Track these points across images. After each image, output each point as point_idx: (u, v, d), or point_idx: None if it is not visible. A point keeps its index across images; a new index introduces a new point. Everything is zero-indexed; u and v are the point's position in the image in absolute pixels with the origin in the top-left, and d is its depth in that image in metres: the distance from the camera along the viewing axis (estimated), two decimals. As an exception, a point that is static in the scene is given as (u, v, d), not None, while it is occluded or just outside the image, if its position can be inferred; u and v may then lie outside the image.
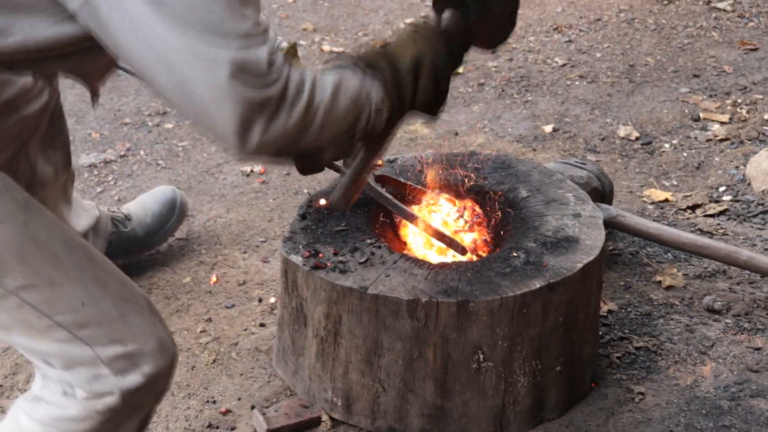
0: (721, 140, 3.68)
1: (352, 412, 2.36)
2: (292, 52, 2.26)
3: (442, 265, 2.31)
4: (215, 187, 3.44)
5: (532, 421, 2.36)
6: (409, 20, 4.71)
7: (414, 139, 3.73)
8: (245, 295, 2.89)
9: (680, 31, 4.58)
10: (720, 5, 4.80)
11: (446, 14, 2.04)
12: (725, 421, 2.38)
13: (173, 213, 2.98)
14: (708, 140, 3.69)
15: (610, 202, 3.02)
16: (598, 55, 4.39)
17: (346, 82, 1.84)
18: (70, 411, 1.85)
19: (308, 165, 1.98)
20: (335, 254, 2.32)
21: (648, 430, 2.36)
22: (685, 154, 3.61)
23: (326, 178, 3.09)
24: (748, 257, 2.74)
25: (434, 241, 2.43)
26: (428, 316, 2.19)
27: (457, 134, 3.79)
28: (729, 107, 3.91)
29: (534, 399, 2.34)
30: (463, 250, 2.39)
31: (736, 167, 3.50)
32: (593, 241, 2.37)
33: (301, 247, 2.35)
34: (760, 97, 3.97)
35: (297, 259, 2.31)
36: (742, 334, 2.68)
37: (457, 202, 2.56)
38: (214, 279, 2.95)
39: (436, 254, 2.46)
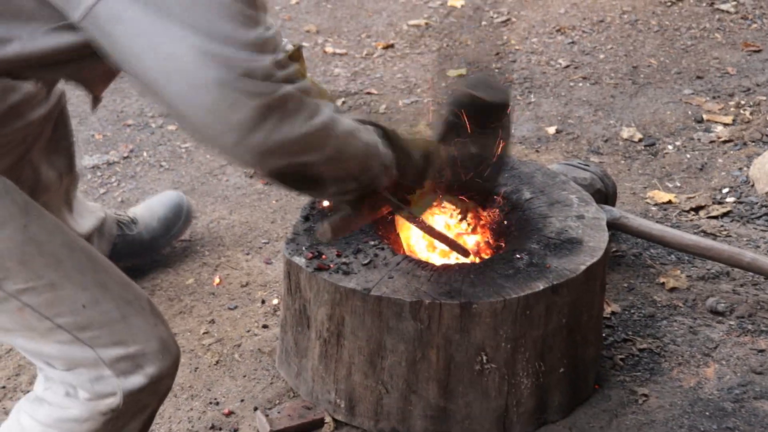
0: (725, 142, 3.68)
1: (355, 413, 2.35)
2: (297, 55, 2.25)
3: (445, 267, 2.30)
4: (218, 189, 3.44)
5: (535, 423, 2.36)
6: (413, 22, 4.71)
7: (417, 141, 3.73)
8: (248, 296, 2.89)
9: (683, 33, 4.57)
10: (723, 7, 4.80)
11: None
12: (729, 423, 2.38)
13: (179, 218, 2.98)
14: (711, 142, 3.69)
15: (613, 204, 3.02)
16: (602, 56, 4.39)
17: (362, 130, 1.86)
18: (73, 412, 1.85)
19: (311, 191, 1.97)
20: (338, 256, 2.32)
21: (651, 432, 2.36)
22: (688, 156, 3.61)
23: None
24: (752, 259, 2.74)
25: (437, 243, 2.43)
26: (431, 317, 2.19)
27: (460, 136, 3.78)
28: (732, 109, 3.90)
29: (537, 401, 2.34)
30: (465, 253, 2.39)
31: (740, 169, 3.50)
32: (596, 242, 2.37)
33: (304, 248, 2.35)
34: (764, 98, 3.97)
35: (300, 260, 2.31)
36: (746, 335, 2.67)
37: (459, 203, 2.56)
38: (217, 280, 2.96)
39: (439, 256, 2.46)
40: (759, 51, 4.40)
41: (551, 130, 3.79)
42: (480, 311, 2.18)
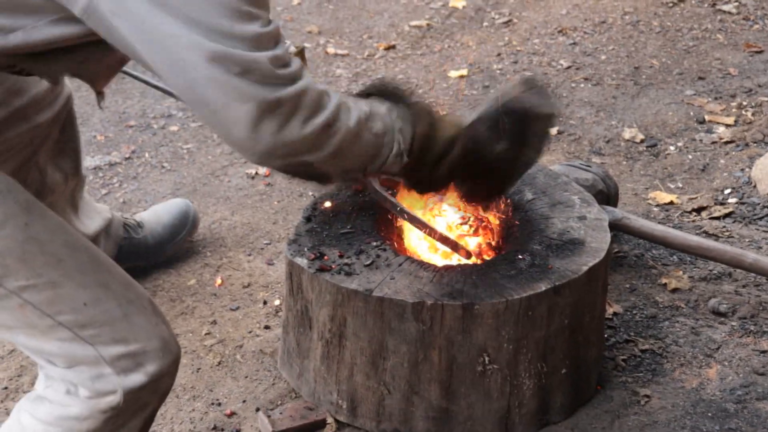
0: (727, 143, 3.68)
1: (357, 414, 2.35)
2: (299, 56, 2.26)
3: (448, 268, 2.30)
4: (220, 190, 3.44)
5: (537, 424, 2.36)
6: (414, 23, 4.71)
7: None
8: (250, 297, 2.89)
9: (685, 34, 4.57)
10: (725, 8, 4.79)
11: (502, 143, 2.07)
12: (731, 424, 2.38)
13: (185, 225, 3.01)
14: (713, 143, 3.68)
15: (615, 205, 3.02)
16: (603, 57, 4.39)
17: (375, 116, 1.85)
18: (73, 410, 1.85)
19: (315, 184, 1.98)
20: (340, 257, 2.32)
21: (654, 433, 2.36)
22: (690, 157, 3.61)
23: (331, 180, 3.09)
24: (754, 260, 2.74)
25: (439, 244, 2.42)
26: (433, 318, 2.19)
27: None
28: (734, 110, 3.90)
29: (539, 402, 2.34)
30: (467, 254, 2.39)
31: (742, 170, 3.49)
32: (599, 243, 2.37)
33: (306, 249, 2.35)
34: (766, 99, 3.97)
35: (302, 261, 2.31)
36: (748, 336, 2.67)
37: (461, 205, 2.56)
38: (218, 281, 2.96)
39: (441, 257, 2.45)
40: (761, 52, 4.40)
41: (553, 130, 3.79)
42: (482, 312, 2.18)
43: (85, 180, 2.74)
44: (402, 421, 2.32)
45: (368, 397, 2.32)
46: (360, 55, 4.44)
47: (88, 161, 3.61)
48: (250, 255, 3.08)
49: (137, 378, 1.84)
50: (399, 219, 2.50)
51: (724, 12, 4.77)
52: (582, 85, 4.15)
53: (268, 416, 2.37)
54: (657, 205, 3.30)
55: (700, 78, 4.18)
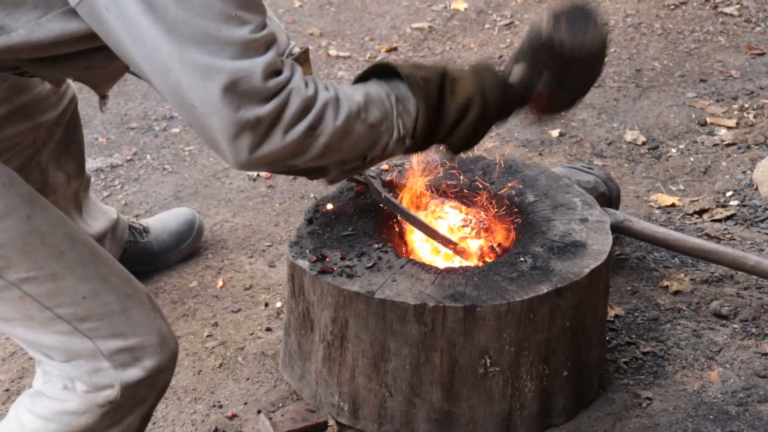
0: (728, 145, 3.68)
1: (359, 416, 2.35)
2: (303, 57, 2.26)
3: (449, 270, 2.30)
4: (222, 192, 3.44)
5: (539, 426, 2.36)
6: (416, 25, 4.72)
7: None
8: (251, 299, 2.89)
9: (687, 36, 4.57)
10: (727, 10, 4.79)
11: (518, 68, 1.98)
12: (733, 426, 2.38)
13: (190, 234, 3.02)
14: (715, 145, 3.68)
15: (617, 207, 3.02)
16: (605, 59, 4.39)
17: (370, 106, 1.82)
18: (71, 405, 1.85)
19: (312, 177, 1.97)
20: (342, 259, 2.32)
21: (655, 436, 2.36)
22: (692, 159, 3.60)
23: (333, 182, 3.09)
24: (756, 262, 2.73)
25: (440, 246, 2.43)
26: (435, 320, 2.19)
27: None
28: (736, 112, 3.90)
29: (541, 404, 2.34)
30: (468, 256, 2.39)
31: (743, 172, 3.49)
32: (600, 245, 2.37)
33: (307, 251, 2.35)
34: (767, 101, 3.97)
35: (304, 263, 2.31)
36: (750, 339, 2.67)
37: (463, 207, 2.56)
38: (220, 283, 2.96)
39: (443, 259, 2.45)
40: (762, 54, 4.40)
41: (554, 133, 3.79)
42: (484, 314, 2.18)
43: (89, 181, 2.75)
44: (403, 423, 2.32)
45: (370, 400, 2.32)
46: (362, 57, 4.44)
47: (89, 163, 3.60)
48: (251, 257, 3.08)
49: (135, 372, 1.84)
50: (400, 220, 2.50)
51: (726, 14, 4.76)
52: (583, 88, 4.14)
53: (270, 418, 2.37)
54: (658, 208, 3.30)
55: (702, 80, 4.17)
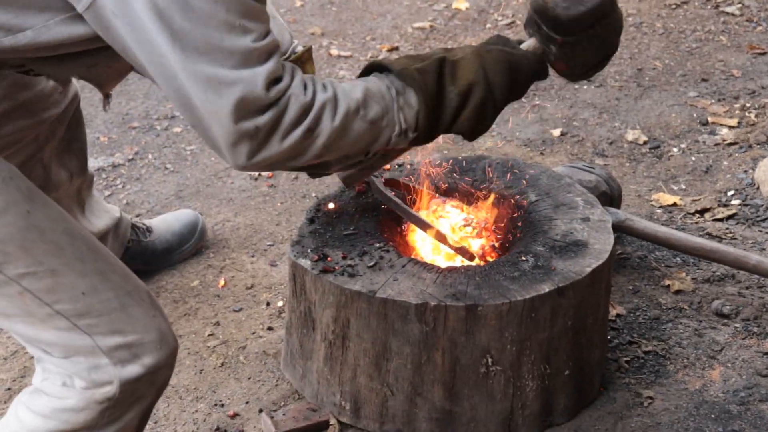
0: (730, 144, 3.67)
1: (360, 415, 2.35)
2: (306, 56, 2.26)
3: (451, 269, 2.30)
4: (223, 191, 3.44)
5: (540, 425, 2.36)
6: (417, 24, 4.71)
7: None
8: (253, 298, 2.89)
9: (688, 36, 4.57)
10: (728, 9, 4.79)
11: (530, 42, 1.96)
12: (734, 425, 2.38)
13: (193, 235, 3.04)
14: (716, 144, 3.68)
15: (618, 206, 3.02)
16: (606, 59, 4.39)
17: (370, 102, 1.82)
18: (69, 402, 1.86)
19: (314, 173, 1.98)
20: (344, 258, 2.32)
21: (657, 435, 2.36)
22: (693, 159, 3.60)
23: (335, 181, 3.09)
24: (757, 261, 2.73)
25: (442, 246, 2.43)
26: (437, 320, 2.19)
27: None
28: (737, 111, 3.90)
29: (542, 403, 2.34)
30: (471, 256, 2.39)
31: (745, 171, 3.49)
32: (602, 245, 2.37)
33: (309, 250, 2.35)
34: (769, 101, 3.97)
35: (305, 262, 2.31)
36: (751, 338, 2.67)
37: (465, 206, 2.56)
38: (222, 282, 2.96)
39: (444, 259, 2.45)
40: (764, 53, 4.40)
41: (556, 132, 3.79)
42: (485, 313, 2.18)
43: (92, 179, 2.75)
44: (405, 422, 2.32)
45: (371, 399, 2.32)
46: (363, 56, 4.44)
47: (91, 162, 3.60)
48: (253, 256, 3.08)
49: (134, 369, 1.84)
50: (403, 220, 2.50)
51: (728, 14, 4.76)
52: (585, 87, 4.14)
53: (271, 417, 2.37)
54: (660, 207, 3.30)
55: (703, 80, 4.17)
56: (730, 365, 2.57)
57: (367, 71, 1.95)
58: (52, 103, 2.40)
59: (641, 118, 3.88)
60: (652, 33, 4.61)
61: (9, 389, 2.56)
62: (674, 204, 3.30)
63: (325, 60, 4.40)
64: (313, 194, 3.39)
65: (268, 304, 2.86)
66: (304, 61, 2.26)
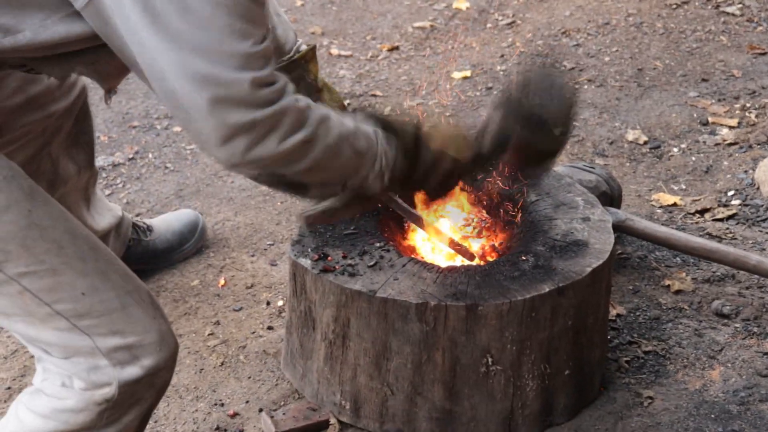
0: (730, 144, 3.68)
1: (361, 415, 2.35)
2: (310, 54, 2.26)
3: (451, 269, 2.30)
4: (223, 190, 3.44)
5: (540, 425, 2.36)
6: (418, 24, 4.71)
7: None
8: (253, 298, 2.89)
9: (689, 36, 4.57)
10: (729, 9, 4.79)
11: (495, 116, 2.06)
12: (734, 425, 2.38)
13: (193, 235, 3.04)
14: (717, 144, 3.68)
15: (618, 206, 3.02)
16: (607, 59, 4.39)
17: (359, 134, 1.85)
18: (69, 402, 1.86)
19: (293, 194, 1.98)
20: (344, 257, 2.32)
21: (657, 435, 2.36)
22: (693, 159, 3.60)
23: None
24: (757, 261, 2.73)
25: (442, 245, 2.43)
26: (437, 319, 2.19)
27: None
28: (738, 111, 3.90)
29: (543, 403, 2.34)
30: (471, 256, 2.39)
31: (745, 171, 3.49)
32: (602, 244, 2.37)
33: (309, 250, 2.35)
34: (769, 101, 3.97)
35: (305, 262, 2.31)
36: (751, 338, 2.67)
37: (465, 206, 2.56)
38: (222, 282, 2.96)
39: (444, 258, 2.45)
40: (764, 54, 4.40)
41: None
42: (485, 313, 2.18)
43: (97, 174, 2.76)
44: (405, 422, 2.32)
45: (371, 398, 2.32)
46: (363, 56, 4.45)
47: (91, 161, 3.61)
48: (253, 256, 3.08)
49: (133, 371, 1.84)
50: (404, 219, 2.50)
51: (728, 14, 4.76)
52: (585, 87, 4.15)
53: (271, 417, 2.37)
54: (660, 207, 3.30)
55: (704, 80, 4.17)
56: (730, 365, 2.58)
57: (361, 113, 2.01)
58: (59, 96, 2.40)
59: (641, 118, 3.88)
60: (652, 33, 4.61)
61: (9, 388, 2.56)
62: (674, 204, 3.30)
63: (326, 60, 4.40)
64: (314, 194, 3.39)
65: (268, 303, 2.86)
66: (308, 60, 2.26)
